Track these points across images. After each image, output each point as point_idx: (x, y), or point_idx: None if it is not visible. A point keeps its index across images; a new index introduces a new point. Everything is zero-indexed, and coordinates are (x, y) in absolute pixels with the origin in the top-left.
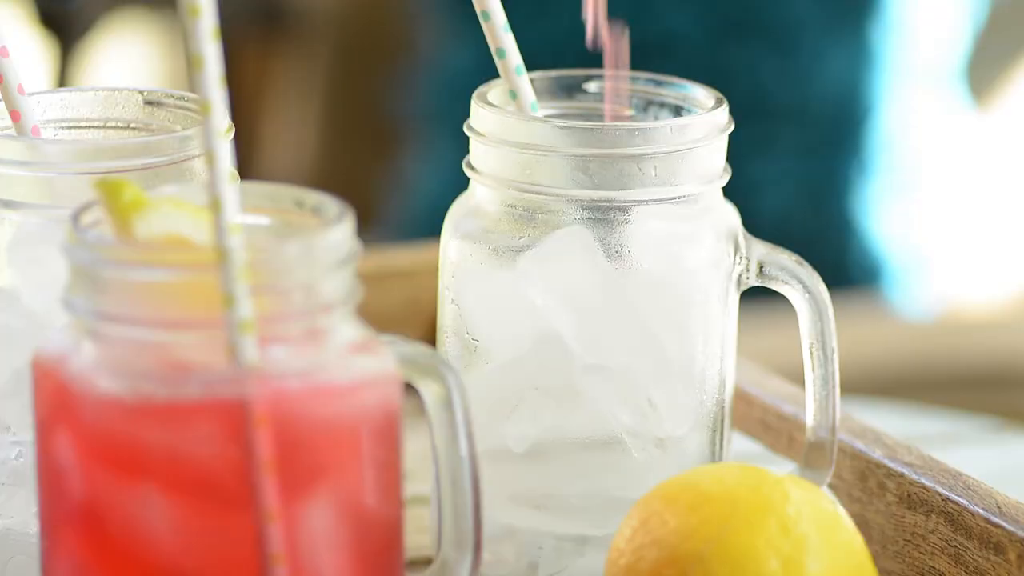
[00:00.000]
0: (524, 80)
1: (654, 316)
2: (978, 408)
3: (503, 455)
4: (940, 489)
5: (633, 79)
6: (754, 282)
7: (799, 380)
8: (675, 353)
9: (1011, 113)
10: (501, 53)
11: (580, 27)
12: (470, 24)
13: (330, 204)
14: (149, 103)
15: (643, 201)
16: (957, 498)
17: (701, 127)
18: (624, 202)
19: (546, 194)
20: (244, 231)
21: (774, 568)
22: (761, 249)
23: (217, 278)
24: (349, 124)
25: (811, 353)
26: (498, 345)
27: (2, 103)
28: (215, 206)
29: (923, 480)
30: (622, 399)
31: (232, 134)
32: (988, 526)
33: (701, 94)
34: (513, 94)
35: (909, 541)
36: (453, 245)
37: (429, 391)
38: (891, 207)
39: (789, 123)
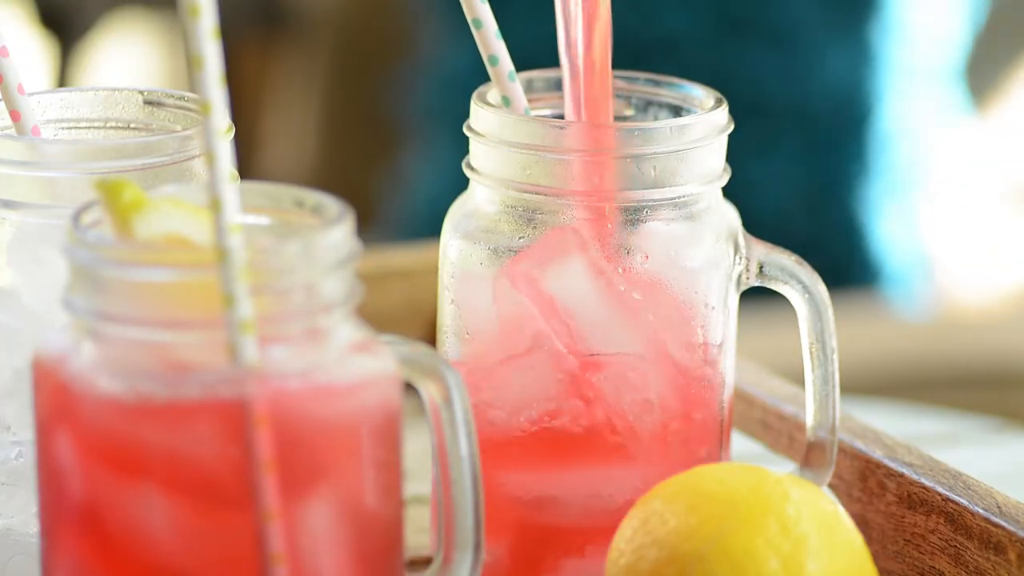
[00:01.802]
0: (517, 86)
1: (654, 316)
2: (978, 408)
3: (502, 454)
4: (940, 489)
5: (633, 79)
6: (754, 282)
7: (799, 380)
8: (675, 353)
9: (1011, 113)
10: (494, 60)
11: None
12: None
13: (330, 204)
14: (149, 103)
15: (643, 201)
16: (957, 498)
17: (701, 127)
18: (624, 202)
19: (545, 194)
20: (244, 231)
21: (774, 568)
22: (761, 249)
23: (217, 278)
24: (349, 124)
25: (811, 353)
26: (497, 345)
27: (2, 103)
28: (215, 206)
29: (923, 480)
30: (622, 399)
31: (232, 134)
32: (988, 526)
33: (701, 94)
34: (507, 100)
35: (909, 541)
36: (453, 245)
37: (429, 391)
38: (891, 207)
39: (789, 123)
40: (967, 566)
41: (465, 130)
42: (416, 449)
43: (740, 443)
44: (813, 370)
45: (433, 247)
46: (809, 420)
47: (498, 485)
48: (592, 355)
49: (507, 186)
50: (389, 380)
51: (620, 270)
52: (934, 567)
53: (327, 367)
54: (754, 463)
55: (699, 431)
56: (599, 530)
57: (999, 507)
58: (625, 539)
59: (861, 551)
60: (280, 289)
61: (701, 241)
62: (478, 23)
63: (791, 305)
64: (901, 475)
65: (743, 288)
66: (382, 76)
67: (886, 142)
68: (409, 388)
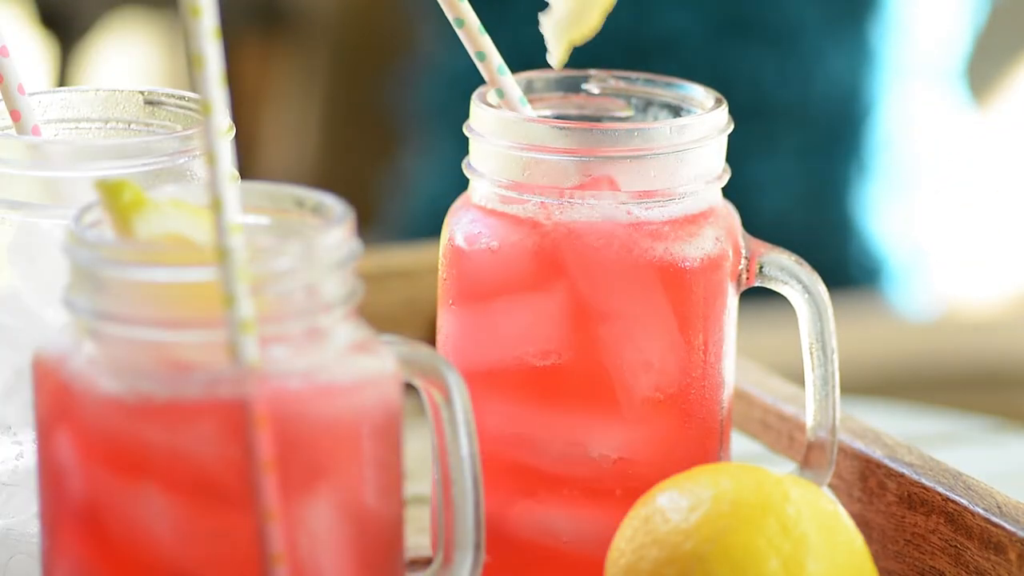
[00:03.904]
0: (508, 79)
1: (654, 316)
2: (978, 408)
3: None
4: (940, 489)
5: (632, 79)
6: (754, 282)
7: (799, 380)
8: (675, 353)
9: (1011, 112)
10: (481, 56)
11: None
12: None
13: (330, 204)
14: (149, 103)
15: (643, 201)
16: (957, 498)
17: (700, 127)
18: (624, 202)
19: (545, 195)
20: (244, 231)
21: (774, 568)
22: (761, 249)
23: (217, 278)
24: (349, 124)
25: (811, 353)
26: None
27: (2, 103)
28: (215, 206)
29: (923, 480)
30: (623, 353)
31: (232, 134)
32: (988, 526)
33: (700, 94)
34: (500, 93)
35: (909, 541)
36: (453, 245)
37: (429, 391)
38: (891, 207)
39: (789, 123)
40: (967, 566)
41: (465, 130)
42: (416, 449)
43: (740, 443)
44: (813, 370)
45: (433, 247)
46: (809, 420)
47: (480, 413)
48: (591, 355)
49: (507, 186)
50: (389, 380)
51: (620, 270)
52: (934, 567)
53: (327, 367)
54: (754, 463)
55: (697, 425)
56: (565, 479)
57: (999, 507)
58: (625, 538)
59: (861, 551)
60: (280, 289)
61: (701, 241)
62: (460, 22)
63: (791, 305)
64: (901, 475)
65: (743, 288)
66: (382, 76)
67: (886, 142)
68: (409, 388)
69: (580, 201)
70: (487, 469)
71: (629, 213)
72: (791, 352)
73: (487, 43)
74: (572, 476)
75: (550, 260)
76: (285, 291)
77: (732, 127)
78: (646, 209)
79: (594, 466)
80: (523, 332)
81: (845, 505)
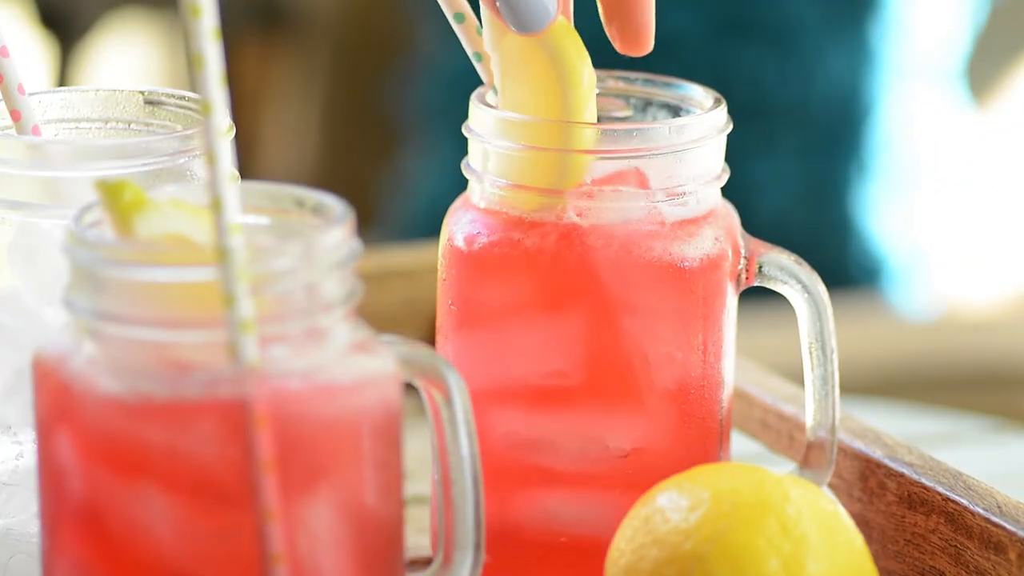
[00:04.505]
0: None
1: (653, 316)
2: (978, 408)
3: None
4: (940, 489)
5: (631, 79)
6: (753, 282)
7: (799, 380)
8: (674, 353)
9: (1011, 112)
10: (460, 18)
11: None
12: None
13: (330, 204)
14: (149, 103)
15: (642, 201)
16: (957, 498)
17: (700, 127)
18: (622, 202)
19: (545, 195)
20: (244, 231)
21: (774, 568)
22: (760, 249)
23: (217, 278)
24: (349, 124)
25: (811, 353)
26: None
27: (2, 103)
28: (215, 206)
29: (923, 480)
30: (646, 345)
31: (232, 134)
32: (988, 526)
33: (699, 94)
34: (479, 56)
35: (909, 541)
36: (452, 245)
37: (429, 391)
38: (891, 207)
39: (789, 123)
40: (967, 566)
41: (464, 131)
42: (416, 449)
43: (740, 443)
44: (813, 370)
45: (433, 247)
46: (809, 420)
47: (480, 412)
48: (590, 355)
49: (506, 187)
50: (389, 380)
51: (620, 269)
52: (934, 567)
53: (327, 367)
54: (754, 463)
55: (697, 425)
56: (565, 478)
57: (999, 507)
58: (625, 538)
59: (861, 551)
60: (280, 289)
61: (701, 241)
62: (460, 17)
63: (791, 305)
64: (901, 475)
65: (742, 288)
66: (382, 76)
67: (886, 142)
68: (409, 388)
69: (579, 201)
70: (487, 467)
71: (625, 215)
72: (791, 352)
73: (464, 5)
74: (571, 474)
75: (549, 260)
76: (285, 291)
77: (731, 127)
78: (644, 209)
79: (594, 464)
80: (522, 331)
81: (845, 505)
